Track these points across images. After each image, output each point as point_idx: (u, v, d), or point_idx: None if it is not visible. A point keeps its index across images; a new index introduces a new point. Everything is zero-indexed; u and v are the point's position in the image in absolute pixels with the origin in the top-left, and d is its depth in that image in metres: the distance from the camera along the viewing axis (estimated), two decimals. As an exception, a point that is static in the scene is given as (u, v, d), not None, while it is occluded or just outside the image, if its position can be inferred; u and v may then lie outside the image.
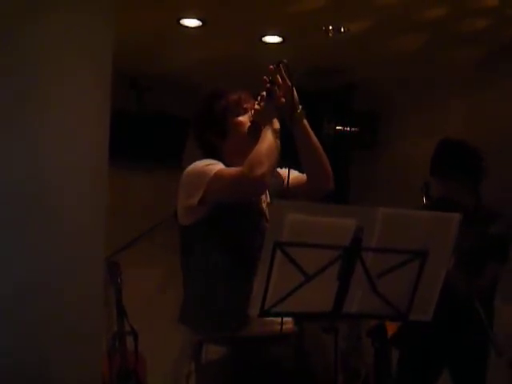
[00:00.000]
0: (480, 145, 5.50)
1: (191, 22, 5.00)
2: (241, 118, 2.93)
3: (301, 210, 2.37)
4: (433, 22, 4.87)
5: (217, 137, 2.90)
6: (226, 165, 2.80)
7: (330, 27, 4.94)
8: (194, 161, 2.80)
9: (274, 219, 2.34)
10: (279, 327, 2.69)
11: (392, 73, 5.87)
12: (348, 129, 6.07)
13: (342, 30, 4.97)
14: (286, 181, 2.82)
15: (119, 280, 4.90)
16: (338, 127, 5.99)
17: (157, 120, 6.24)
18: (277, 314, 2.46)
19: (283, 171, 2.97)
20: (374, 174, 6.21)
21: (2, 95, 2.85)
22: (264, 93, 2.88)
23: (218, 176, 2.69)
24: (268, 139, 2.76)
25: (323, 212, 2.41)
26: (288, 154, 2.90)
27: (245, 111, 2.95)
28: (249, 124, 2.88)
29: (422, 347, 3.67)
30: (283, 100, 2.86)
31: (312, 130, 3.00)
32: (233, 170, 2.71)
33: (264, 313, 2.39)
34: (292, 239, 2.35)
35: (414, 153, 5.76)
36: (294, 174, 2.94)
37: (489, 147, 5.46)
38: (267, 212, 2.82)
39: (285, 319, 2.71)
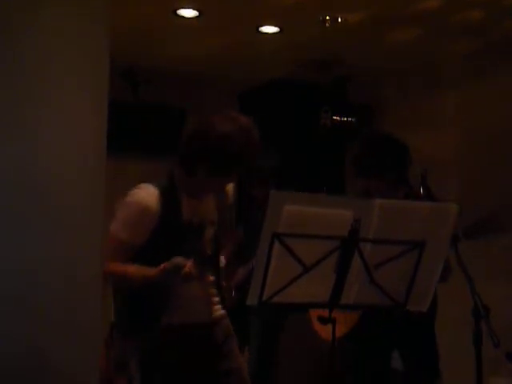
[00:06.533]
0: (474, 136, 5.52)
1: (188, 13, 4.99)
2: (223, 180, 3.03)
3: (298, 200, 2.37)
4: (430, 13, 4.86)
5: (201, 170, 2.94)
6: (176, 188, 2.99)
7: (327, 17, 4.93)
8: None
9: (271, 210, 2.35)
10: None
11: (388, 64, 5.86)
12: (345, 119, 6.07)
13: (339, 20, 4.96)
14: None
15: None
16: (334, 117, 5.99)
17: (153, 110, 6.24)
18: (275, 305, 2.47)
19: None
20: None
21: (1, 92, 2.85)
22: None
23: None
24: (142, 273, 2.88)
25: (320, 203, 2.42)
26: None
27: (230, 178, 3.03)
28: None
29: (376, 335, 3.75)
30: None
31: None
32: (109, 250, 2.92)
33: (262, 303, 2.39)
34: (289, 230, 2.36)
35: (409, 143, 5.76)
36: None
37: (483, 137, 5.49)
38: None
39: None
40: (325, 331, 3.87)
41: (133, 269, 2.91)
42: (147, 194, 2.95)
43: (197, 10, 4.94)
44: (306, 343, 5.09)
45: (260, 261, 2.36)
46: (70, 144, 3.02)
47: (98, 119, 3.13)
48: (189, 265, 2.77)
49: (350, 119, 6.12)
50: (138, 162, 6.15)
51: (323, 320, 2.58)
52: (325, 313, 2.59)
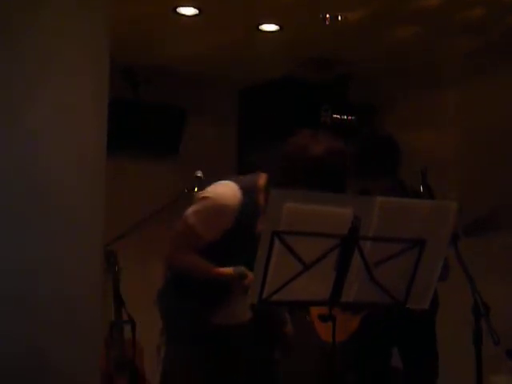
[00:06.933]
0: (474, 136, 5.52)
1: (187, 11, 4.98)
2: None
3: (298, 198, 2.37)
4: (430, 11, 4.86)
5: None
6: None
7: (327, 15, 4.93)
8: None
9: (271, 208, 2.35)
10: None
11: (388, 62, 5.86)
12: (345, 117, 6.07)
13: (339, 18, 4.96)
14: None
15: (116, 269, 4.89)
16: (334, 116, 5.99)
17: (153, 110, 6.24)
18: (275, 303, 2.47)
19: None
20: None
21: (1, 92, 2.85)
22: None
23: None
24: (207, 269, 2.88)
25: (320, 201, 2.42)
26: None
27: None
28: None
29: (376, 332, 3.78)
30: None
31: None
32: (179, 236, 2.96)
33: (262, 302, 2.39)
34: (290, 228, 2.35)
35: (410, 142, 5.77)
36: None
37: (483, 137, 5.49)
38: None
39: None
40: (325, 333, 3.88)
41: (199, 262, 2.92)
42: (230, 194, 2.91)
43: (196, 8, 4.94)
44: (307, 343, 5.09)
45: (260, 259, 2.36)
46: (69, 144, 3.02)
47: (98, 119, 3.14)
48: (250, 278, 2.75)
49: (350, 118, 6.12)
50: (138, 162, 6.15)
51: (323, 318, 2.58)
52: (325, 311, 2.59)
